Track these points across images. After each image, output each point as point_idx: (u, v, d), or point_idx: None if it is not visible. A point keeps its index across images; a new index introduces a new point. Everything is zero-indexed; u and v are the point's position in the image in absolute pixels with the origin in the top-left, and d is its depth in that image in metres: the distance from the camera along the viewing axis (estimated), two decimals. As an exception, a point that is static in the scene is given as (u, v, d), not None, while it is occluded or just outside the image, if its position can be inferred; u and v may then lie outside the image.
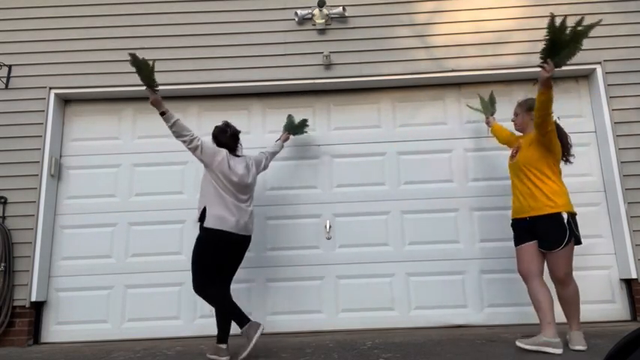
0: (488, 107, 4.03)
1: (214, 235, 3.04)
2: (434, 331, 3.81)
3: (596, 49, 4.29)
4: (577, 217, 3.00)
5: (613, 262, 4.08)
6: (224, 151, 3.21)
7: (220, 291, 3.13)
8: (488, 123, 3.96)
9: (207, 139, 3.30)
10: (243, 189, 3.21)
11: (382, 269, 4.15)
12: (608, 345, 2.87)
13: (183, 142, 3.16)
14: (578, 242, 2.99)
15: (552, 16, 2.72)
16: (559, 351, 2.82)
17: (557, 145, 3.01)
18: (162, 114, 3.14)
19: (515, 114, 3.33)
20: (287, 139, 4.08)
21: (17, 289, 3.99)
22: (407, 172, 4.34)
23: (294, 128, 4.10)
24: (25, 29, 4.47)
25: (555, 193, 2.96)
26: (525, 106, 3.23)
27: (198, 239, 3.10)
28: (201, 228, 3.09)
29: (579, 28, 2.72)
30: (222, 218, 3.06)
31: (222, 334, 3.13)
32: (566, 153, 3.13)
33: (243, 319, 2.99)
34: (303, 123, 4.13)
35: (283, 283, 4.13)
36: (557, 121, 3.08)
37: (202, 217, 3.10)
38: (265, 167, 3.66)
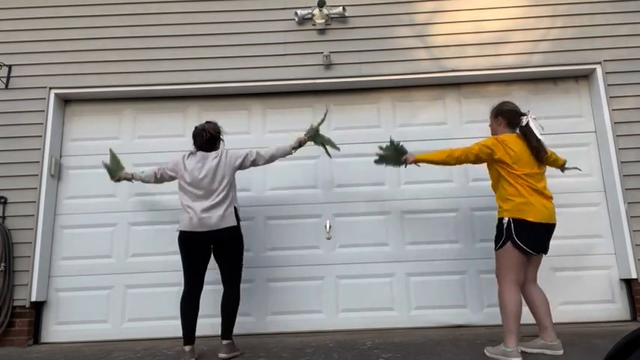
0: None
1: (179, 237, 3.26)
2: (434, 331, 3.81)
3: (596, 49, 4.30)
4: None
5: (613, 262, 4.08)
6: (185, 156, 3.34)
7: (187, 294, 3.21)
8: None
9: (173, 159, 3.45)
10: (197, 183, 3.20)
11: (382, 269, 4.15)
12: (608, 345, 2.86)
13: (157, 182, 3.59)
14: (532, 252, 2.89)
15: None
16: (559, 352, 2.86)
17: (500, 154, 2.95)
18: (132, 179, 3.64)
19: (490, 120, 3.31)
20: (303, 143, 3.58)
21: (17, 289, 3.99)
22: (406, 172, 4.32)
23: (317, 137, 3.62)
24: (25, 29, 4.47)
25: (501, 198, 3.00)
26: (493, 112, 3.22)
27: None
28: None
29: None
30: (181, 220, 3.24)
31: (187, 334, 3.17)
32: (535, 154, 2.99)
33: (186, 335, 3.13)
34: (330, 142, 3.67)
35: (283, 283, 4.13)
36: (530, 123, 3.02)
37: None
38: (242, 164, 3.37)
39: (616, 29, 4.33)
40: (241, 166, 3.39)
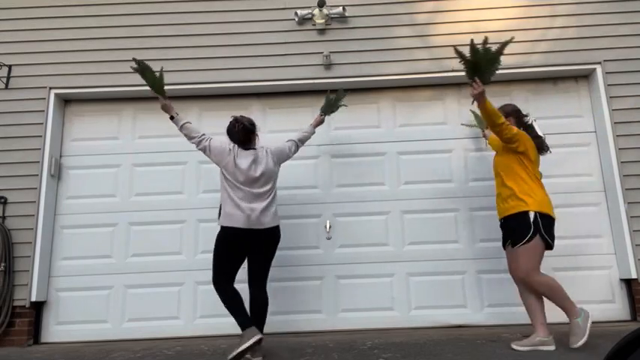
0: (483, 121, 3.95)
1: (225, 232, 3.10)
2: (434, 331, 3.81)
3: (596, 49, 4.29)
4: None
5: (613, 262, 4.08)
6: (232, 149, 3.19)
7: (228, 287, 3.11)
8: (485, 136, 3.98)
9: (219, 138, 3.29)
10: (252, 183, 3.14)
11: (382, 269, 4.15)
12: (608, 345, 2.86)
13: (193, 143, 3.31)
14: (549, 246, 3.01)
15: (472, 42, 3.19)
16: (552, 348, 2.96)
17: (526, 148, 3.07)
18: (172, 118, 3.35)
19: None
20: (321, 122, 3.79)
21: (17, 289, 3.98)
22: (407, 172, 4.34)
23: (331, 106, 3.82)
24: (25, 29, 4.47)
25: (524, 192, 3.03)
26: (502, 114, 3.25)
27: (216, 237, 3.16)
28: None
29: (494, 49, 3.15)
30: (231, 215, 3.08)
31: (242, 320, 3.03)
32: (539, 149, 3.20)
33: (244, 322, 2.97)
34: (340, 96, 3.82)
35: (283, 283, 4.12)
36: (533, 123, 3.24)
37: (219, 215, 3.17)
38: (289, 156, 3.46)
39: (616, 29, 4.33)
40: (288, 157, 3.48)
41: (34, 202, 4.11)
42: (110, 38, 4.45)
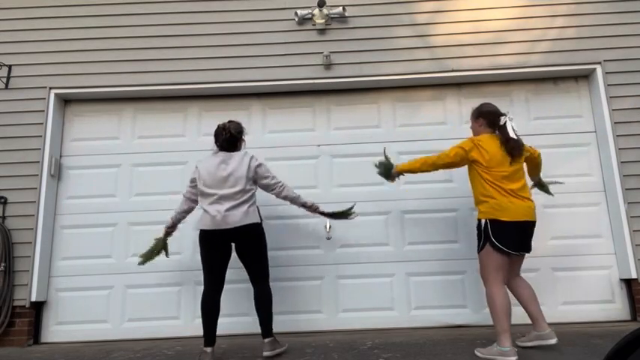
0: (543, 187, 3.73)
1: (199, 236, 3.21)
2: (434, 331, 3.81)
3: (596, 49, 4.30)
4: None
5: (613, 262, 4.08)
6: (199, 166, 3.27)
7: (207, 299, 3.16)
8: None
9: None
10: (220, 184, 3.15)
11: (382, 269, 4.15)
12: (608, 345, 2.86)
13: (193, 204, 3.43)
14: (502, 251, 2.89)
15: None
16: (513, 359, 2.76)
17: (479, 156, 3.01)
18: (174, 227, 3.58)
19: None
20: (315, 210, 3.58)
21: (17, 289, 3.98)
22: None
23: (339, 215, 3.68)
24: (25, 29, 4.47)
25: (478, 201, 3.08)
26: (474, 114, 3.29)
27: None
28: None
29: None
30: (201, 219, 3.20)
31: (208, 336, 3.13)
32: (509, 151, 3.02)
33: (205, 339, 3.09)
34: (349, 211, 3.68)
35: (283, 283, 4.12)
36: (507, 124, 3.09)
37: None
38: (264, 185, 3.36)
39: (616, 29, 4.33)
40: (259, 185, 3.35)
41: (34, 202, 4.11)
42: (110, 38, 4.45)
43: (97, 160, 4.40)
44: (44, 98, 4.31)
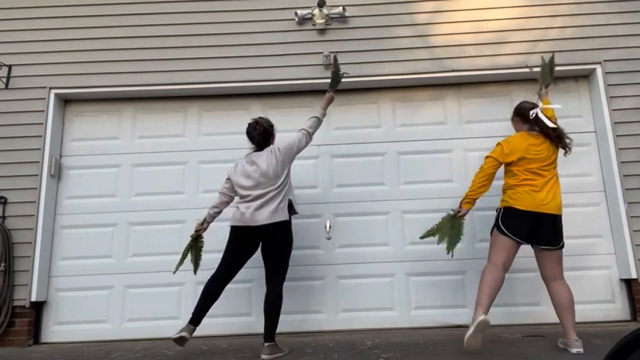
0: (548, 74, 3.52)
1: (230, 231, 3.28)
2: (434, 331, 3.81)
3: (596, 49, 4.30)
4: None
5: (613, 262, 4.08)
6: (236, 165, 3.34)
7: (212, 283, 3.23)
8: (539, 95, 3.53)
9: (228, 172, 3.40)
10: (253, 187, 3.20)
11: (382, 269, 4.15)
12: (608, 345, 2.86)
13: (230, 200, 3.44)
14: (505, 234, 3.01)
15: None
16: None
17: (506, 158, 3.12)
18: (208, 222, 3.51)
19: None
20: (331, 99, 3.63)
21: (17, 289, 3.98)
22: (407, 172, 4.34)
23: (337, 76, 3.66)
24: (25, 29, 4.47)
25: (503, 191, 3.22)
26: (512, 115, 3.39)
27: None
28: None
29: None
30: (232, 216, 3.26)
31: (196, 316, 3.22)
32: (557, 140, 3.18)
33: (192, 318, 3.19)
34: (337, 64, 3.67)
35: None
36: (539, 115, 3.14)
37: None
38: (300, 148, 3.38)
39: (616, 29, 4.33)
40: (299, 152, 3.41)
41: (34, 202, 4.11)
42: (110, 38, 4.45)
43: (97, 160, 4.40)
44: (44, 98, 4.31)
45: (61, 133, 4.44)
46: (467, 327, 4.01)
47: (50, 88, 4.34)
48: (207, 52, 4.41)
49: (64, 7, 4.52)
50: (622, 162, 4.07)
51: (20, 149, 4.22)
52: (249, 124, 3.35)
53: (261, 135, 3.30)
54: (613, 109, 4.18)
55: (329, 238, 4.18)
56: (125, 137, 4.47)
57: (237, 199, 3.33)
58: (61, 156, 4.40)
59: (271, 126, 3.37)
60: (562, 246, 3.06)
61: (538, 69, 3.58)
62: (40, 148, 4.21)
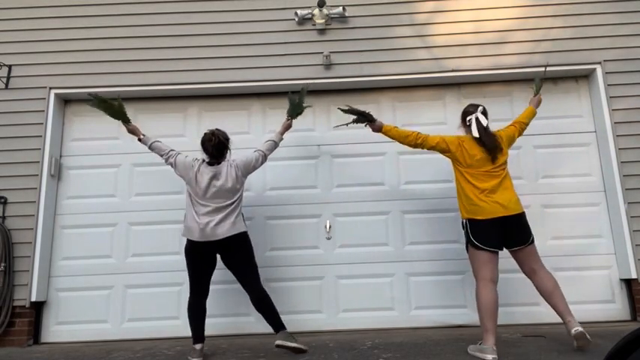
0: (537, 85, 3.63)
1: (187, 244, 3.26)
2: (434, 331, 3.81)
3: (596, 49, 4.30)
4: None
5: (613, 262, 4.08)
6: (195, 164, 3.30)
7: (193, 301, 3.25)
8: (530, 100, 3.62)
9: (184, 155, 3.41)
10: (211, 198, 3.21)
11: (382, 269, 4.15)
12: (608, 345, 2.86)
13: (163, 160, 3.49)
14: (480, 248, 3.00)
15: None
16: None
17: (459, 155, 3.12)
18: (140, 139, 3.54)
19: None
20: (289, 126, 3.74)
21: (17, 289, 3.98)
22: (407, 172, 4.34)
23: (297, 107, 3.76)
24: (25, 29, 4.47)
25: (459, 200, 3.18)
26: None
27: None
28: None
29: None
30: (188, 229, 3.23)
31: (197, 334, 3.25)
32: (485, 148, 3.10)
33: (195, 337, 3.21)
34: (301, 98, 3.75)
35: (283, 283, 4.12)
36: (473, 123, 3.17)
37: None
38: (255, 167, 3.46)
39: (616, 29, 4.33)
40: (254, 170, 3.48)
41: (34, 202, 4.11)
42: (110, 38, 4.45)
43: (97, 160, 4.40)
44: (44, 98, 4.31)
45: (61, 133, 4.44)
46: (467, 327, 4.03)
47: (50, 88, 4.34)
48: (207, 52, 4.41)
49: (64, 7, 4.52)
50: (622, 162, 4.07)
51: (20, 149, 4.22)
52: (205, 134, 3.33)
53: (215, 148, 3.26)
54: (613, 109, 4.18)
55: (329, 238, 4.18)
56: (125, 137, 4.44)
57: (190, 209, 3.24)
58: (61, 156, 4.40)
59: (227, 139, 3.34)
60: (532, 240, 3.06)
61: (554, 67, 3.68)
62: (40, 148, 4.21)
